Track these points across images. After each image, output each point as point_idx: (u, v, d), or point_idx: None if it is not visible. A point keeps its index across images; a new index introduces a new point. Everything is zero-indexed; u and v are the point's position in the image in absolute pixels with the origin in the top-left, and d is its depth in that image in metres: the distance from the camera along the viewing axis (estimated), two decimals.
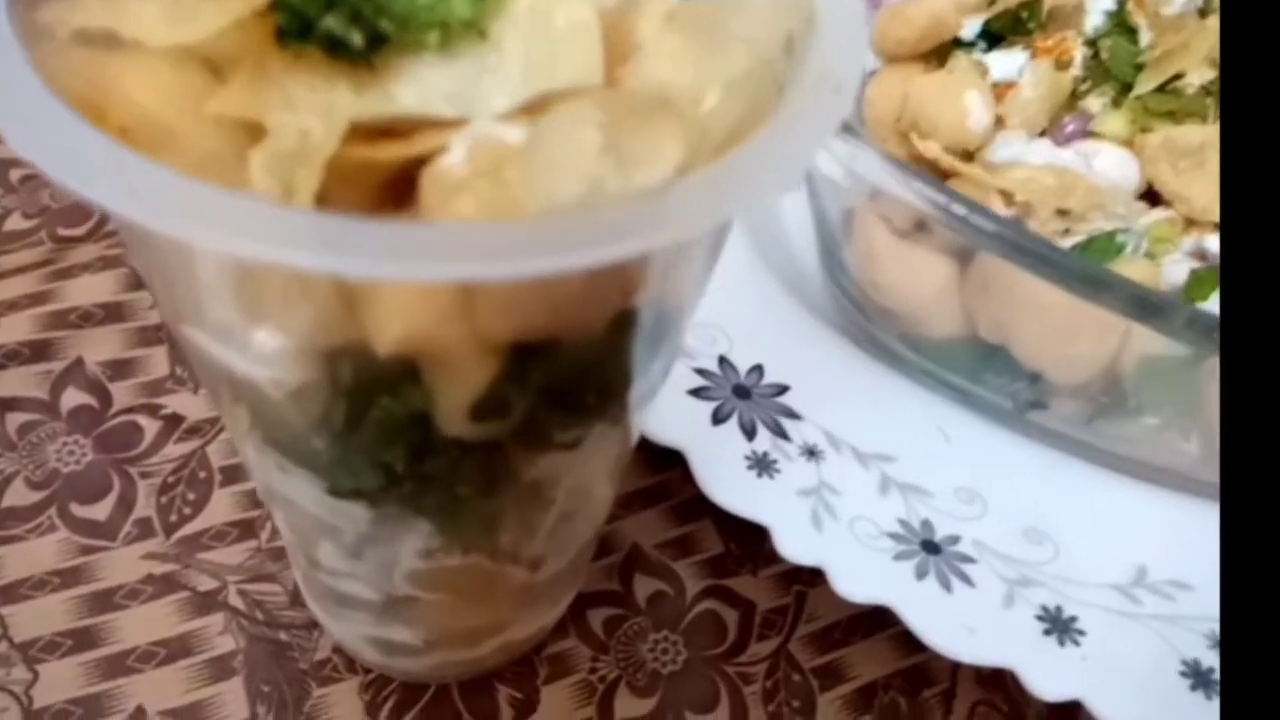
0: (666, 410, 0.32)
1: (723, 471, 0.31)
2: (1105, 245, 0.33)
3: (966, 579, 0.30)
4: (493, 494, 0.20)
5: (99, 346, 0.34)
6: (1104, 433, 0.34)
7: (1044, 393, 0.33)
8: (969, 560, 0.31)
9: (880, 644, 0.32)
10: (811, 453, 0.32)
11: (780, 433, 0.32)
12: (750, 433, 0.32)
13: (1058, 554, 0.31)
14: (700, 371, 0.33)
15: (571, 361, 0.17)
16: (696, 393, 0.33)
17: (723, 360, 0.34)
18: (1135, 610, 0.30)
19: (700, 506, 0.34)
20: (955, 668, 0.32)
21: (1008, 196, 0.33)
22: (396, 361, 0.16)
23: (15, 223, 0.37)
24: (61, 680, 0.28)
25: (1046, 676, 0.28)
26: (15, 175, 0.38)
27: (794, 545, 0.30)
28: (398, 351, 0.16)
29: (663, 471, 0.34)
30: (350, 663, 0.29)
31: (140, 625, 0.30)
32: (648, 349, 0.19)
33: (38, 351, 0.34)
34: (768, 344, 0.35)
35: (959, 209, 0.29)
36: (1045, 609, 0.30)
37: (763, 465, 0.31)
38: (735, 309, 0.35)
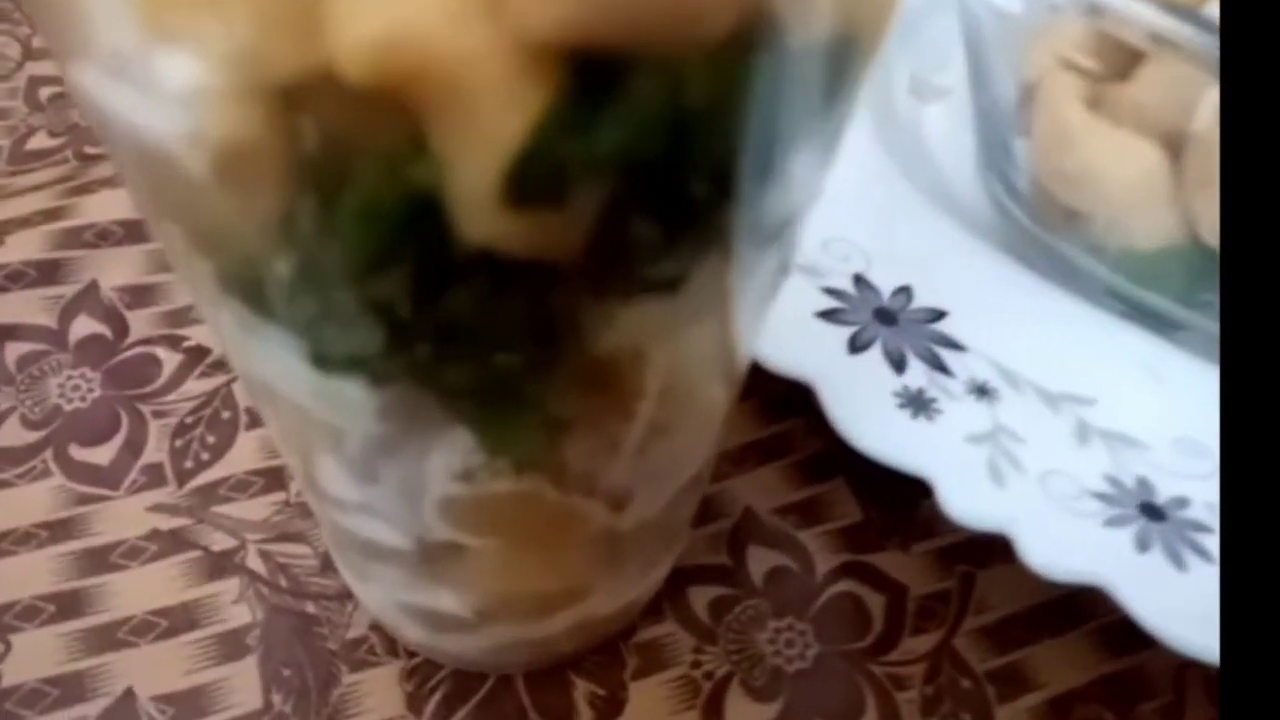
0: (787, 335, 0.25)
1: (865, 410, 0.24)
2: None
3: (1203, 552, 0.22)
4: (551, 370, 0.13)
5: (117, 269, 0.29)
6: None
7: None
8: (1204, 529, 0.23)
9: (1075, 642, 0.24)
10: (982, 391, 0.25)
11: (939, 366, 0.25)
12: (899, 364, 0.25)
13: None
14: (831, 292, 0.26)
15: (660, 105, 0.10)
16: (827, 316, 0.26)
17: (859, 280, 0.27)
18: None
19: (831, 463, 0.27)
20: (1181, 670, 0.24)
21: None
22: (381, 101, 0.10)
23: (40, 141, 0.33)
24: (38, 654, 0.23)
25: None
26: (44, 94, 0.34)
27: (967, 504, 0.22)
28: (380, 79, 0.10)
29: (782, 420, 0.27)
30: (391, 643, 0.23)
31: (138, 590, 0.24)
32: (761, 158, 0.13)
33: (46, 273, 0.29)
34: (915, 262, 0.27)
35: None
36: None
37: (918, 404, 0.24)
38: (871, 222, 0.28)
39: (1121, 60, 0.26)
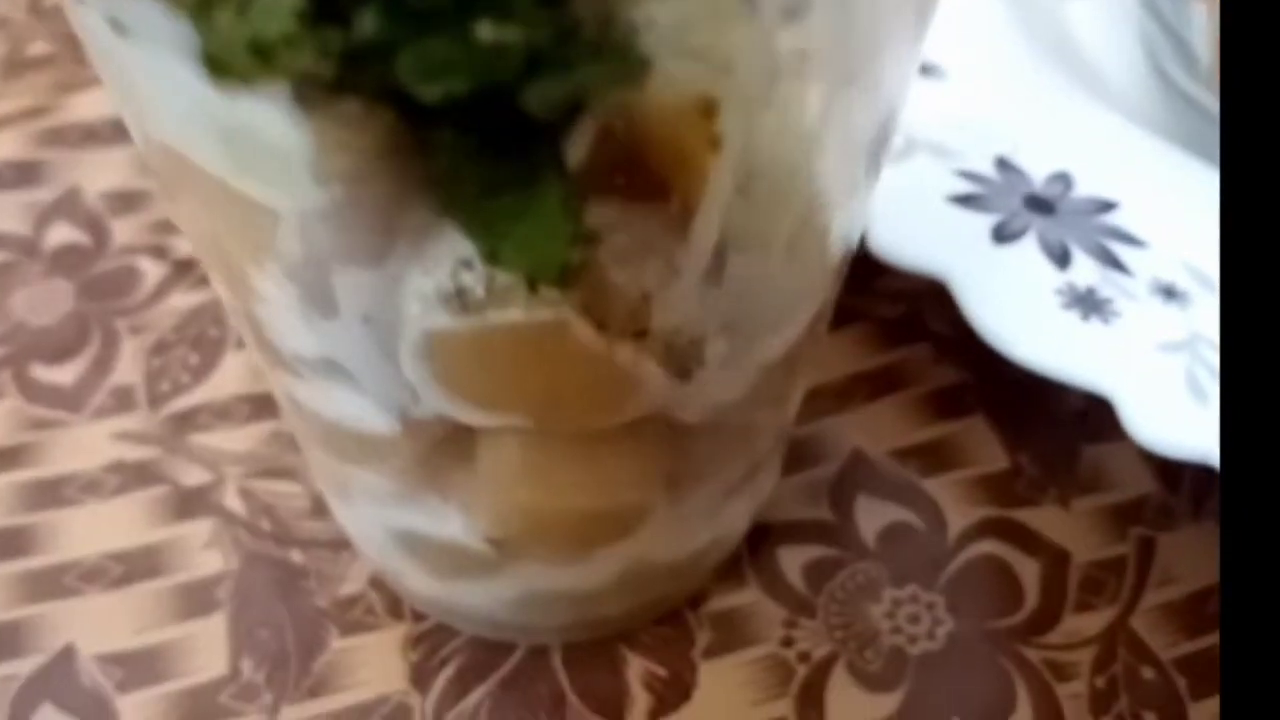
0: (913, 223, 0.19)
1: (1018, 311, 0.18)
2: None
3: None
4: (576, 96, 0.08)
5: (103, 173, 0.25)
6: None
7: None
8: None
9: None
10: (1169, 292, 0.19)
11: (1113, 262, 0.19)
12: (1061, 258, 0.19)
13: None
14: (967, 175, 0.21)
15: None
16: (963, 201, 0.20)
17: (1003, 164, 0.21)
18: None
19: (966, 396, 0.21)
20: None
21: None
22: None
23: (38, 49, 0.29)
24: None
25: None
26: (49, 1, 0.30)
27: (1160, 427, 0.17)
28: None
29: (900, 347, 0.22)
30: (394, 603, 0.18)
31: (92, 530, 0.19)
32: None
33: (25, 175, 0.25)
34: (1073, 147, 0.22)
35: None
36: None
37: (1089, 305, 0.18)
38: (1016, 104, 0.22)
39: None
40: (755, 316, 0.12)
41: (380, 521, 0.16)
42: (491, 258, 0.10)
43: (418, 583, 0.17)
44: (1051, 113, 0.23)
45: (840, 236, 0.13)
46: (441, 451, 0.13)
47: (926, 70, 0.23)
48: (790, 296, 0.13)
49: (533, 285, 0.10)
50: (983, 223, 0.20)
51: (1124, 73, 0.26)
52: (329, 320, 0.11)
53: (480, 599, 0.17)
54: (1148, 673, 0.18)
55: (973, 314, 0.18)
